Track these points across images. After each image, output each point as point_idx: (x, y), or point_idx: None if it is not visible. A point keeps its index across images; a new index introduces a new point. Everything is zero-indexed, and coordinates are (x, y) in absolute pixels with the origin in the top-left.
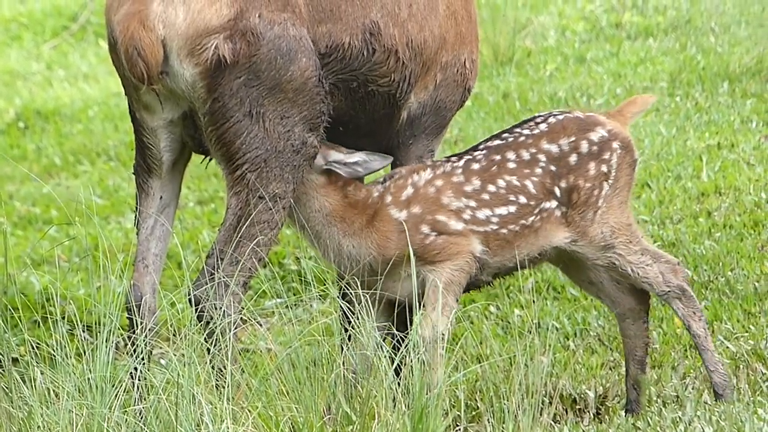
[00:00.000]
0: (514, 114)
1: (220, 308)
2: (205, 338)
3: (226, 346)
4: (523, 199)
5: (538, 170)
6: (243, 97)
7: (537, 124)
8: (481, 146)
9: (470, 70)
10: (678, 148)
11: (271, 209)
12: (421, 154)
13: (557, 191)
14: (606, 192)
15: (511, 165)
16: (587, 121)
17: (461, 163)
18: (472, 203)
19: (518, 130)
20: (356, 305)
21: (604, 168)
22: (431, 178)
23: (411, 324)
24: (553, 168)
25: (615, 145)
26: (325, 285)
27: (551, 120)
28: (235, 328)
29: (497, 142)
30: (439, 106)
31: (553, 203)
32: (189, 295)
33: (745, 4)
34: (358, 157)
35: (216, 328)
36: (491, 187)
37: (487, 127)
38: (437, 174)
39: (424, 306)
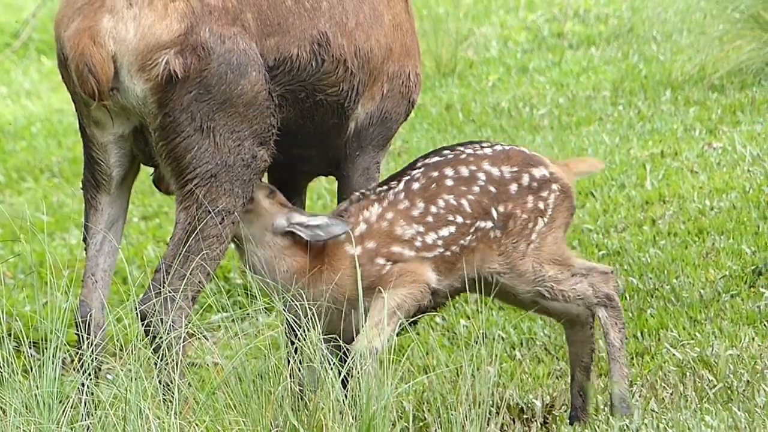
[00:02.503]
0: (457, 125)
1: (168, 323)
2: (152, 352)
3: (174, 360)
4: (459, 219)
5: (476, 188)
6: (194, 112)
7: (482, 147)
8: (419, 163)
9: (414, 83)
10: (621, 156)
11: (220, 224)
12: (367, 165)
13: (494, 213)
14: (540, 228)
15: (449, 182)
16: (532, 158)
17: (401, 186)
18: (421, 228)
19: (460, 148)
20: (302, 318)
21: (540, 205)
22: (381, 212)
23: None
24: (492, 189)
25: (554, 186)
26: (270, 298)
27: (497, 147)
28: (183, 343)
29: (435, 159)
30: (386, 117)
31: (489, 223)
32: (137, 309)
33: (686, 12)
34: (320, 220)
35: (165, 342)
36: (433, 208)
37: (430, 138)
38: (384, 206)
39: (367, 319)
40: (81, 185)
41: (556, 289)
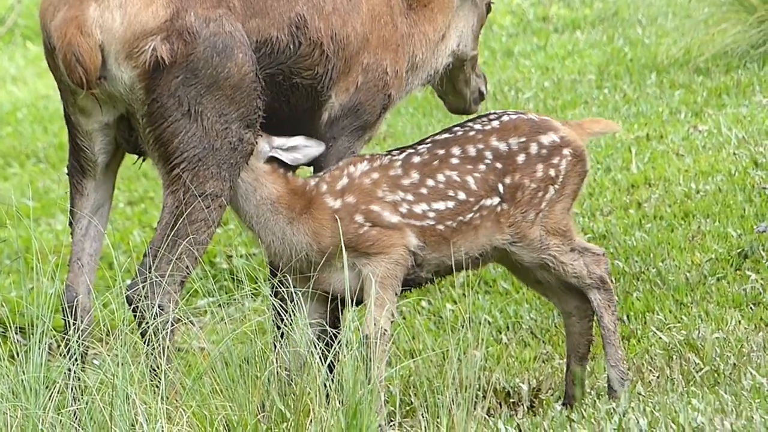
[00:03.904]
0: (442, 109)
1: (157, 307)
2: (140, 336)
3: (161, 345)
4: (462, 195)
5: (482, 166)
6: (181, 97)
7: (490, 120)
8: (428, 139)
9: (392, 78)
10: (607, 140)
11: (207, 207)
12: (341, 155)
13: (500, 188)
14: (551, 196)
15: (454, 160)
16: (540, 125)
17: (402, 156)
18: (409, 197)
19: (469, 124)
20: (288, 302)
21: (551, 172)
22: (368, 170)
23: (343, 320)
24: (498, 165)
25: (566, 151)
26: (256, 283)
27: (504, 118)
28: (171, 328)
29: (445, 135)
30: (359, 108)
31: (495, 200)
32: (128, 291)
33: None
34: (296, 140)
35: (152, 327)
36: (430, 182)
37: (415, 123)
38: (374, 166)
39: (364, 302)
40: (66, 171)
41: (557, 261)
